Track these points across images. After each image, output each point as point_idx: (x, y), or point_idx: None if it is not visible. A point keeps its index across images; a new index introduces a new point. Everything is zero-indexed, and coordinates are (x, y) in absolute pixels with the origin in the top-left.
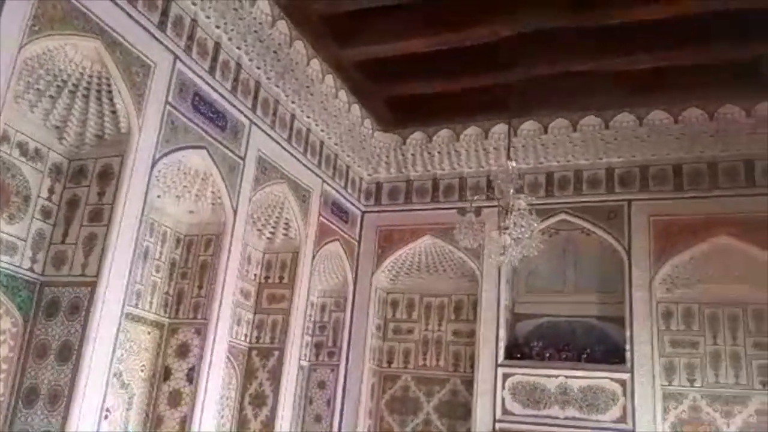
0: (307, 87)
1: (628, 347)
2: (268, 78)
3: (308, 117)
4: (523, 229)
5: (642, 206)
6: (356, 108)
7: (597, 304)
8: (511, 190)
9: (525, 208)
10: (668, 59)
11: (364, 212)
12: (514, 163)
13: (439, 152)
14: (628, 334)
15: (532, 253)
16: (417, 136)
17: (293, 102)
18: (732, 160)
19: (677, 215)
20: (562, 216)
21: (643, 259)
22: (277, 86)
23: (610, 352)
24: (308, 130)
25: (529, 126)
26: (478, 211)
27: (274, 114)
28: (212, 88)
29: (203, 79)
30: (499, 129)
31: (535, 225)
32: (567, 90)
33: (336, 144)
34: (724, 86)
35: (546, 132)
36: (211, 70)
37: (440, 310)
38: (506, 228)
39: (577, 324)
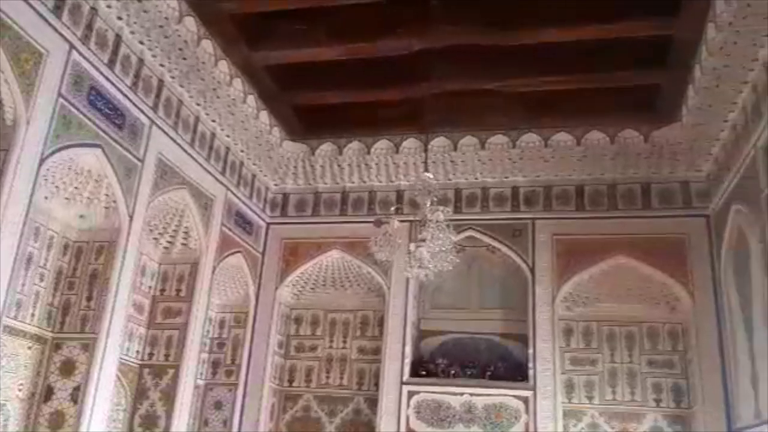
0: (214, 89)
1: (531, 365)
2: (173, 77)
3: (213, 121)
4: (440, 243)
5: (545, 225)
6: (264, 115)
7: (500, 322)
8: (428, 203)
9: (443, 221)
10: (573, 82)
11: (269, 224)
12: (431, 176)
13: (349, 165)
14: (531, 351)
15: (447, 267)
16: (326, 147)
17: (198, 104)
18: (630, 182)
19: (579, 235)
20: (470, 233)
21: (546, 277)
22: (182, 86)
23: (513, 370)
24: (213, 134)
25: (439, 142)
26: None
27: (177, 115)
28: (111, 83)
29: (101, 73)
30: (410, 144)
31: (453, 238)
32: (477, 107)
33: (242, 151)
34: (625, 111)
35: (456, 149)
36: (111, 64)
37: (345, 327)
38: (423, 241)
39: (481, 341)
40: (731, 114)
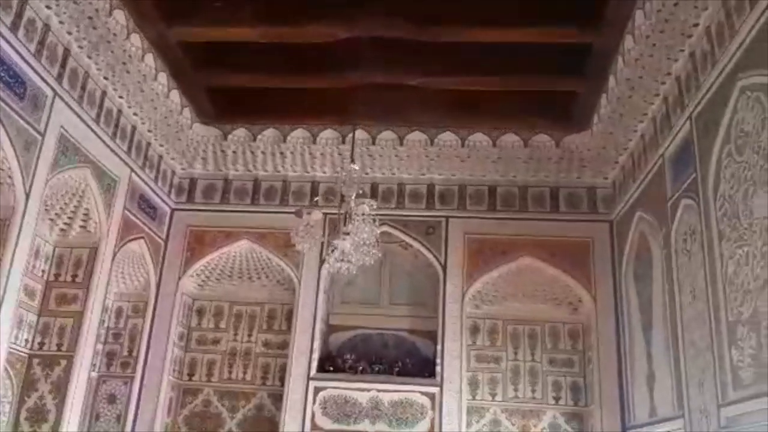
0: (124, 63)
1: (438, 361)
2: (80, 46)
3: (121, 97)
4: (366, 236)
5: (458, 223)
6: (176, 94)
7: (409, 318)
8: (354, 195)
9: (369, 214)
10: (493, 84)
11: (174, 209)
12: (357, 167)
13: (263, 152)
14: (439, 348)
15: (370, 261)
16: (240, 132)
17: (106, 78)
18: (541, 186)
19: (490, 234)
20: (385, 228)
21: (457, 274)
22: (90, 57)
23: (421, 366)
24: (120, 111)
25: (358, 135)
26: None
27: (83, 88)
28: (12, 47)
29: (2, 35)
30: (329, 134)
31: (378, 231)
32: (398, 102)
33: (149, 131)
34: (541, 116)
35: (374, 143)
36: (13, 27)
37: (251, 320)
38: (347, 233)
39: (390, 337)
40: (640, 124)
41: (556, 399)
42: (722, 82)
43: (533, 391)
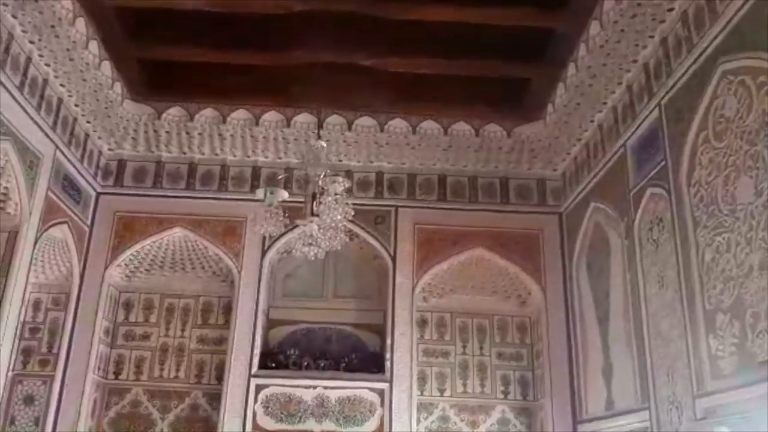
0: (53, 27)
1: (388, 356)
2: (5, 4)
3: (48, 65)
4: (340, 217)
5: (408, 213)
6: (107, 66)
7: (354, 311)
8: (322, 174)
9: (341, 193)
10: (448, 67)
11: (99, 193)
12: (324, 144)
13: (200, 134)
14: (389, 342)
15: (337, 246)
16: (175, 111)
17: (32, 42)
18: (491, 176)
19: (439, 225)
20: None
21: (407, 266)
22: (15, 17)
23: (367, 361)
24: (45, 81)
25: (304, 118)
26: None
27: (6, 52)
28: None
29: None
30: (272, 117)
31: (352, 212)
32: (348, 85)
33: (77, 105)
34: (493, 104)
35: (322, 127)
36: None
37: (185, 314)
38: (316, 215)
39: (333, 331)
40: (599, 114)
41: (505, 393)
42: (699, 67)
43: (482, 385)
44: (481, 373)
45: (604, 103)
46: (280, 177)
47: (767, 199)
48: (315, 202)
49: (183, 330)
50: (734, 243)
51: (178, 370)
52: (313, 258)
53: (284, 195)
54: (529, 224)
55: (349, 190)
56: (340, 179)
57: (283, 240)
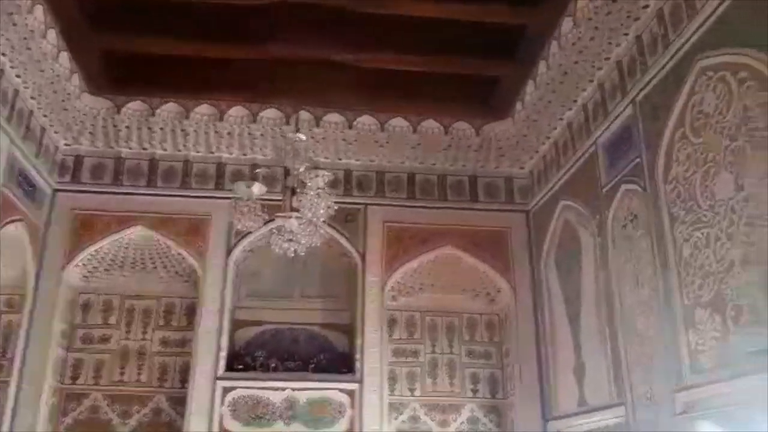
0: (10, 14)
1: (358, 356)
2: None
3: (4, 54)
4: (322, 212)
5: (378, 211)
6: (65, 57)
7: (321, 311)
8: (302, 168)
9: (323, 188)
10: (422, 64)
11: (56, 190)
12: (303, 137)
13: (162, 129)
14: (359, 342)
15: (317, 242)
16: (136, 106)
17: None
18: (460, 174)
19: (409, 223)
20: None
21: (376, 265)
22: None
23: (336, 362)
24: (1, 71)
25: (270, 114)
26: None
27: None
28: None
29: None
30: (237, 112)
31: (335, 206)
32: (318, 80)
33: (33, 98)
34: (463, 101)
35: (288, 123)
36: None
37: (146, 315)
38: (295, 210)
39: (300, 332)
40: (569, 112)
41: (474, 392)
42: (676, 64)
43: (452, 384)
44: (451, 371)
45: (575, 101)
46: (257, 170)
47: (749, 193)
48: (294, 197)
49: (144, 332)
50: (714, 238)
51: (139, 374)
52: (292, 255)
53: (262, 189)
54: (497, 222)
55: (332, 185)
56: (323, 173)
57: (249, 239)
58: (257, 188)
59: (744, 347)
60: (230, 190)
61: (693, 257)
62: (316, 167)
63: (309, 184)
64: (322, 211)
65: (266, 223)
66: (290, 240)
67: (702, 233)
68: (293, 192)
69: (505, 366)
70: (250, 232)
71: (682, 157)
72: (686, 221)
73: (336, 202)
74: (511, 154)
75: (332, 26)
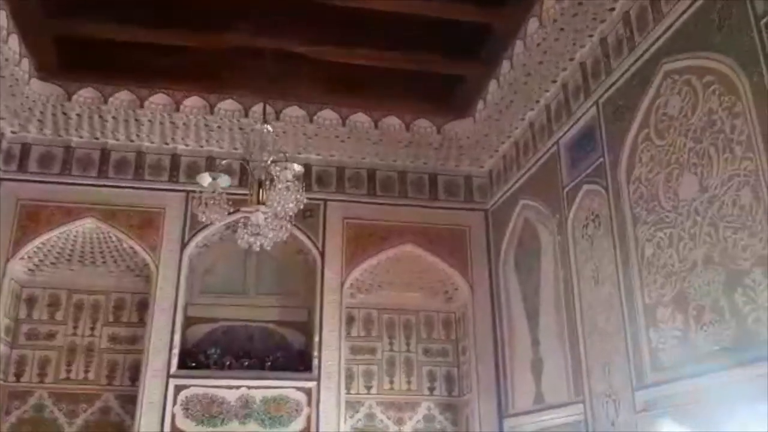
0: None
1: (316, 354)
2: None
3: None
4: (292, 205)
5: (337, 207)
6: (15, 40)
7: (277, 308)
8: (269, 160)
9: (293, 180)
10: (386, 60)
11: (1, 179)
12: (270, 128)
13: (114, 117)
14: (316, 339)
15: (283, 237)
16: (87, 93)
17: None
18: (420, 172)
19: (369, 220)
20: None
21: (336, 262)
22: None
23: (293, 359)
24: None
25: (228, 106)
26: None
27: None
28: None
29: None
30: (194, 102)
31: (305, 199)
32: (277, 72)
33: None
34: (425, 99)
35: (247, 116)
36: None
37: (94, 311)
38: (262, 203)
39: (255, 329)
40: (531, 112)
41: (431, 390)
42: (641, 67)
43: (408, 382)
44: (408, 369)
45: (537, 102)
46: (222, 161)
47: (712, 195)
48: (261, 190)
49: (93, 328)
50: (677, 238)
51: (87, 372)
52: (257, 249)
53: (228, 181)
54: (456, 221)
55: (300, 177)
56: (293, 166)
57: (203, 233)
58: (223, 180)
59: (706, 346)
60: (184, 182)
61: (655, 257)
62: (286, 159)
63: (278, 176)
64: (291, 205)
65: (228, 215)
66: (256, 234)
67: (665, 233)
68: (260, 184)
69: (461, 364)
70: (205, 226)
71: (645, 159)
72: (648, 221)
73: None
74: (471, 153)
75: (295, 17)
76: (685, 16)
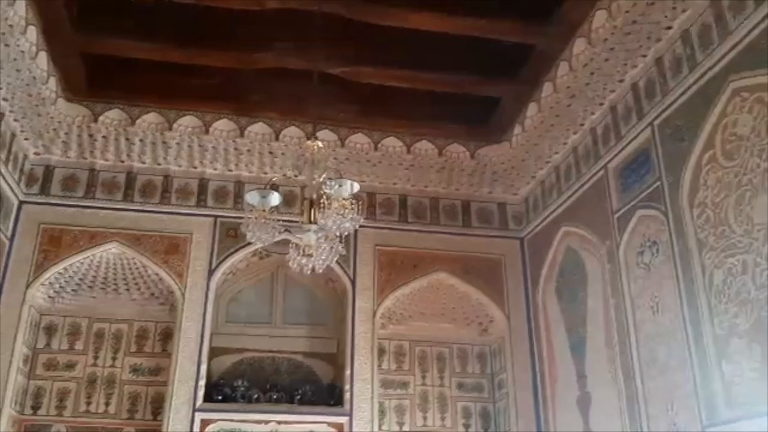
0: None
1: (347, 387)
2: None
3: None
4: (348, 225)
5: (369, 234)
6: (43, 58)
7: (305, 339)
8: (322, 177)
9: (349, 199)
10: (417, 82)
11: (22, 202)
12: (321, 144)
13: (141, 140)
14: (347, 373)
15: (333, 260)
16: (114, 114)
17: None
18: (453, 198)
19: (401, 247)
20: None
21: (368, 290)
22: None
23: (322, 393)
24: None
25: (258, 129)
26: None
27: None
28: None
29: None
30: (224, 125)
31: (361, 220)
32: (308, 94)
33: (5, 99)
34: (459, 122)
35: (277, 139)
36: None
37: (116, 340)
38: (314, 223)
39: (282, 361)
40: (574, 136)
41: (466, 426)
42: (704, 86)
43: (443, 418)
44: (442, 405)
45: (582, 125)
46: (274, 178)
47: None
48: (314, 209)
49: (114, 359)
50: (752, 264)
51: (107, 405)
52: (309, 272)
53: (278, 199)
54: (491, 249)
55: (357, 197)
56: (349, 182)
57: (230, 261)
58: (273, 198)
59: None
60: (212, 206)
61: (726, 284)
62: (341, 176)
63: (331, 195)
64: (347, 224)
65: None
66: (309, 255)
67: (737, 259)
68: (311, 204)
69: (497, 399)
70: (233, 252)
71: (711, 181)
72: (717, 247)
73: None
74: (505, 180)
75: (327, 37)
76: (756, 31)
